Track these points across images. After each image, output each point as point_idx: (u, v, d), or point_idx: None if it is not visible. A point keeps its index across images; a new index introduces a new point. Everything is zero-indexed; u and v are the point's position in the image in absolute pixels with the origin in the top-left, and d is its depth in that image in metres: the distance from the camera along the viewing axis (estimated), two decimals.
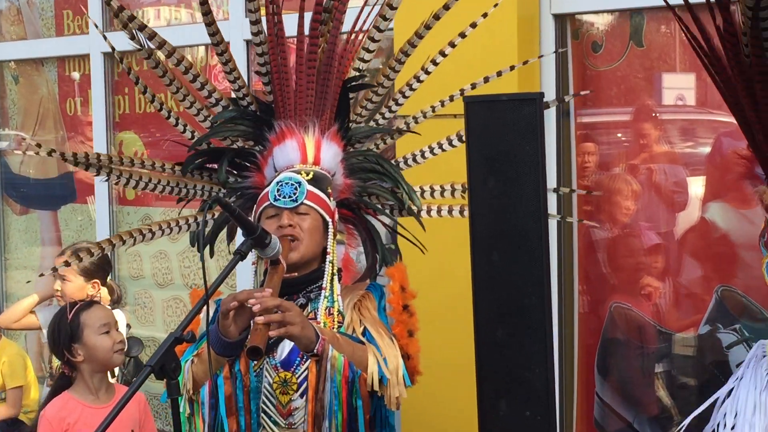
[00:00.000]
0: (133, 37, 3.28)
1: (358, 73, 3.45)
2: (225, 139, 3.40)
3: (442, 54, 3.44)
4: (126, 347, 4.29)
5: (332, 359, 2.91)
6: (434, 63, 3.44)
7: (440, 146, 3.49)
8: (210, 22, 3.27)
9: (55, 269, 3.78)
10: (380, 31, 3.40)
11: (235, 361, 2.98)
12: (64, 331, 4.02)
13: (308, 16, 3.32)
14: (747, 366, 2.81)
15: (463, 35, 3.44)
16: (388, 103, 3.49)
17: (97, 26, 3.65)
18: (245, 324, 2.83)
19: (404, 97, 3.47)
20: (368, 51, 3.45)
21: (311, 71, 3.28)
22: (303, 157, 3.22)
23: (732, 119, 4.09)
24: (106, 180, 3.42)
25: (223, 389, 3.00)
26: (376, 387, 2.93)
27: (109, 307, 4.67)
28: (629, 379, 4.40)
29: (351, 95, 3.41)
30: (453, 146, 3.47)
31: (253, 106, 3.38)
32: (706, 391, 4.18)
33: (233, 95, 3.40)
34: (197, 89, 3.40)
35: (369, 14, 3.42)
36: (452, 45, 3.44)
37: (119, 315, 5.16)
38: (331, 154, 3.26)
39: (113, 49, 3.42)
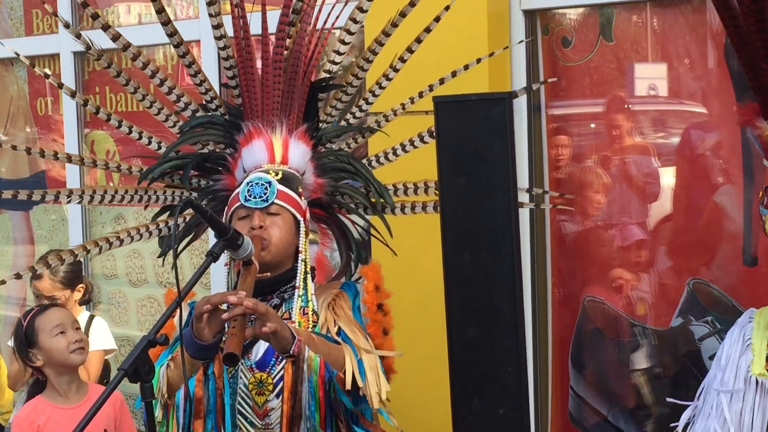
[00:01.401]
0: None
1: (328, 74, 3.46)
2: (196, 144, 3.41)
3: (410, 50, 3.45)
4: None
5: (308, 360, 2.92)
6: (402, 60, 3.45)
7: (411, 143, 3.51)
8: (165, 21, 3.28)
9: (34, 269, 3.77)
10: (350, 33, 3.40)
11: (209, 364, 2.98)
12: (21, 338, 4.08)
13: (274, 16, 3.32)
14: (732, 331, 2.91)
15: (428, 30, 3.44)
16: (359, 102, 3.49)
17: (68, 26, 3.58)
18: (219, 327, 2.82)
19: (374, 95, 3.48)
20: (338, 53, 3.46)
21: (277, 71, 3.28)
22: (270, 156, 3.22)
23: (702, 109, 4.14)
24: (79, 202, 3.47)
25: (193, 392, 2.99)
26: (360, 384, 2.92)
27: (77, 307, 4.71)
28: (604, 372, 4.41)
29: (321, 95, 3.42)
30: (425, 142, 3.49)
31: (221, 109, 3.38)
32: (680, 384, 4.22)
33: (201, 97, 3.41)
34: (165, 93, 3.41)
35: (339, 14, 3.42)
36: (418, 41, 3.44)
37: (99, 322, 5.22)
38: (299, 154, 3.26)
39: (88, 47, 3.39)
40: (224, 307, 2.80)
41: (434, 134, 3.01)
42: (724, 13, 2.75)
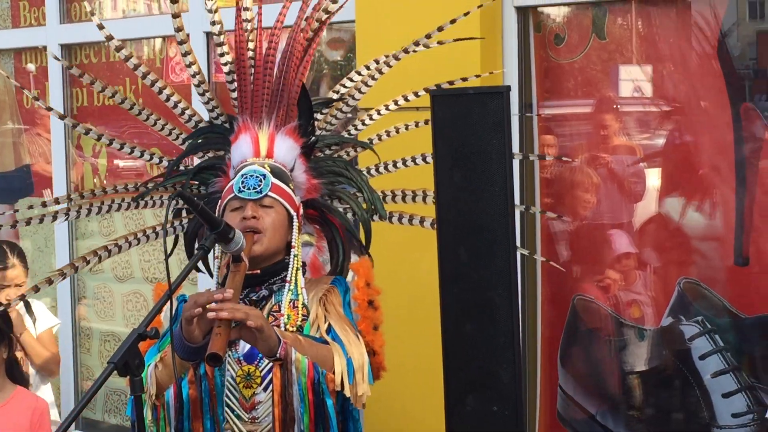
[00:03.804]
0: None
1: (340, 90, 3.54)
2: (198, 153, 3.47)
3: (396, 58, 3.47)
4: None
5: (296, 362, 2.89)
6: (396, 58, 3.46)
7: (413, 160, 3.52)
8: (175, 15, 3.33)
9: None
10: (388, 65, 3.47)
11: (200, 364, 2.94)
12: None
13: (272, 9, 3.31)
14: None
15: (428, 36, 3.48)
16: (363, 117, 3.53)
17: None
18: (209, 327, 2.78)
19: (371, 119, 3.52)
20: (367, 68, 3.51)
21: (269, 66, 3.28)
22: (256, 150, 3.20)
23: (693, 109, 4.14)
24: (65, 220, 3.49)
25: (187, 393, 2.96)
26: (345, 387, 2.91)
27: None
28: (592, 371, 4.42)
29: (324, 110, 3.48)
30: (416, 164, 3.51)
31: (223, 117, 3.41)
32: (669, 383, 4.22)
33: (194, 90, 3.43)
34: (171, 107, 3.46)
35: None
36: (405, 52, 3.47)
37: (37, 304, 5.31)
38: (285, 148, 3.24)
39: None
40: (210, 313, 2.76)
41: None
42: None
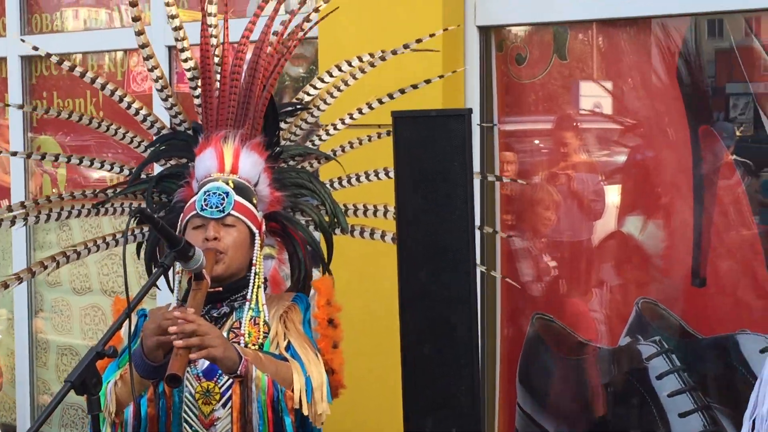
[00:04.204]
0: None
1: (304, 97, 3.54)
2: (159, 160, 3.44)
3: (362, 71, 3.48)
4: None
5: (256, 380, 2.87)
6: (362, 71, 3.48)
7: (376, 174, 3.51)
8: (139, 32, 3.35)
9: None
10: (350, 65, 3.48)
11: (160, 382, 2.91)
12: None
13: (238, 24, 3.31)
14: None
15: (394, 52, 3.48)
16: (327, 127, 3.52)
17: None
18: (169, 346, 2.76)
19: (336, 129, 3.52)
20: (330, 75, 3.52)
21: (235, 82, 3.28)
22: (220, 165, 3.17)
23: (651, 128, 4.16)
24: (24, 225, 3.45)
25: (146, 411, 2.95)
26: (304, 406, 2.89)
27: None
28: (551, 390, 4.43)
29: (289, 119, 3.46)
30: (379, 179, 3.49)
31: (186, 124, 3.40)
32: (627, 402, 4.23)
33: (161, 102, 3.42)
34: (133, 114, 3.46)
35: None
36: (383, 59, 3.47)
37: None
38: (249, 163, 3.21)
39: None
40: (171, 329, 2.74)
41: (390, 173, 3.01)
42: None
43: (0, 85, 6.21)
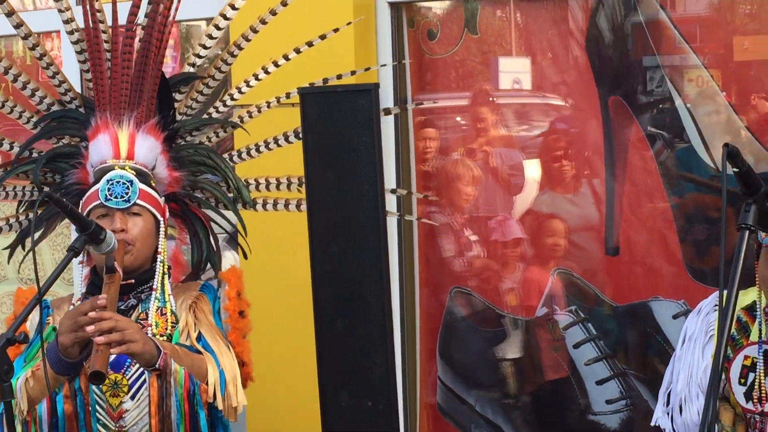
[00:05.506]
0: None
1: (192, 67, 3.42)
2: (51, 138, 3.32)
3: (286, 58, 3.41)
4: None
5: (174, 373, 2.86)
6: (276, 65, 3.41)
7: (276, 141, 3.42)
8: (9, 13, 3.21)
9: None
10: (218, 29, 3.35)
11: (75, 378, 2.90)
12: None
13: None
14: (697, 313, 2.72)
15: (310, 44, 3.43)
16: (224, 97, 3.43)
17: None
18: (85, 342, 2.74)
19: (240, 92, 3.41)
20: (204, 47, 3.39)
21: (126, 63, 3.19)
22: (116, 152, 3.10)
23: (565, 103, 4.20)
24: None
25: (62, 408, 2.92)
26: (218, 399, 2.89)
27: None
28: (470, 362, 4.44)
29: (182, 89, 3.36)
30: (289, 142, 3.40)
31: (77, 101, 3.31)
32: (546, 372, 4.28)
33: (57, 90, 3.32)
34: (20, 89, 3.32)
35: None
36: (297, 51, 3.41)
37: None
38: (146, 148, 3.14)
39: None
40: (89, 328, 2.71)
41: (300, 133, 2.99)
42: None
43: None
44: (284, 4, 3.34)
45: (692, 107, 3.89)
